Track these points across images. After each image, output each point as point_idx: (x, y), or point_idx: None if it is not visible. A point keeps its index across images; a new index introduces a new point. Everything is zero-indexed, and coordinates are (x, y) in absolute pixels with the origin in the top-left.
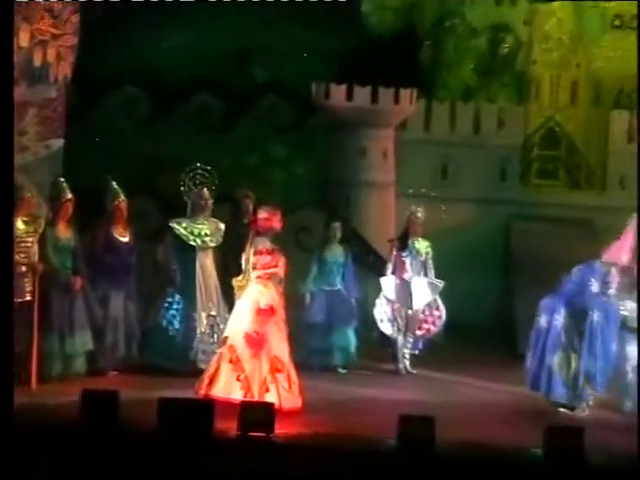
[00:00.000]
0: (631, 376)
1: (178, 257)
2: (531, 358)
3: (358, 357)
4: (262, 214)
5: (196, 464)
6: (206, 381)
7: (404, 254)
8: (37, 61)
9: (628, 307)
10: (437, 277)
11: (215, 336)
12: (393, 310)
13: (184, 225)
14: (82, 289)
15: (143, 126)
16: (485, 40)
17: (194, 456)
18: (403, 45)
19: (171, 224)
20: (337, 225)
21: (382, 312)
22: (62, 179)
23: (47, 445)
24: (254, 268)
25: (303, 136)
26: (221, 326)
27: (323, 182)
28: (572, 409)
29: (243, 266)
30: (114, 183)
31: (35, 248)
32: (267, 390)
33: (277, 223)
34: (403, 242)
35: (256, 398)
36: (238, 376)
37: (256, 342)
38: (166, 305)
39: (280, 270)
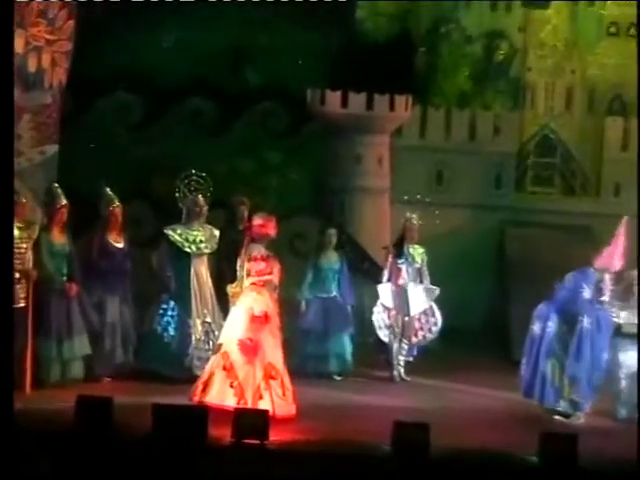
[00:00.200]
0: (624, 383)
1: (173, 264)
2: (525, 366)
3: (353, 364)
4: (257, 221)
5: (190, 471)
6: (200, 388)
7: (400, 261)
8: (32, 67)
9: (621, 314)
10: (432, 283)
11: (210, 343)
12: (390, 317)
13: (179, 232)
14: (77, 295)
15: (137, 131)
16: (480, 47)
17: (188, 463)
18: (398, 51)
19: (166, 231)
20: (332, 231)
21: (380, 319)
22: (57, 185)
23: (42, 451)
24: (249, 275)
25: (298, 142)
26: (216, 333)
27: (318, 188)
28: (568, 417)
29: (238, 273)
30: (108, 189)
31: (29, 254)
32: (261, 397)
33: (272, 230)
34: (399, 249)
35: (249, 405)
36: (232, 383)
37: (250, 349)
38: (161, 311)
39: (275, 277)
